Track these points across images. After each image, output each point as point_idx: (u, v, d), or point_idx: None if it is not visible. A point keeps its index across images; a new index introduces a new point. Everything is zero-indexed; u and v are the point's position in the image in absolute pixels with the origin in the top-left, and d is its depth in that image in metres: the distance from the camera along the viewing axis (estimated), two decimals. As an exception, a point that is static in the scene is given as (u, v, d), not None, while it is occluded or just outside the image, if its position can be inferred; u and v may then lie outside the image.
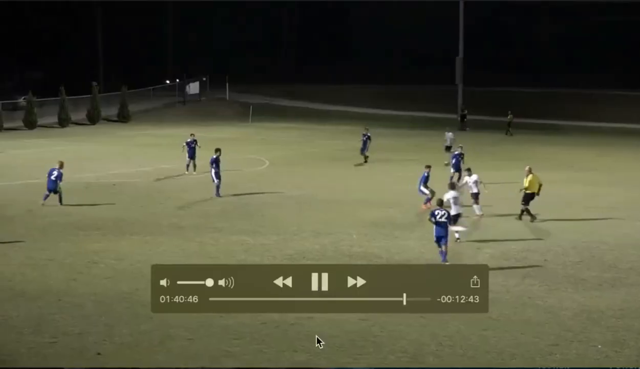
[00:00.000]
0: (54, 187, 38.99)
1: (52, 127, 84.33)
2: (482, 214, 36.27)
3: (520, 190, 35.90)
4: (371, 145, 55.04)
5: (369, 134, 55.31)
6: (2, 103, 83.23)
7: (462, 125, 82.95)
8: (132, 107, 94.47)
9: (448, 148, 56.17)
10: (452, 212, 30.25)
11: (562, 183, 45.08)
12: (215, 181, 40.98)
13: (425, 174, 38.50)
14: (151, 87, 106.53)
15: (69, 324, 21.13)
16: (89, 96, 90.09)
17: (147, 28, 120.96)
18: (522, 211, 35.65)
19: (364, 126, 60.09)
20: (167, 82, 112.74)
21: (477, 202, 36.72)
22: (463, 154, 45.99)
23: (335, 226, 34.14)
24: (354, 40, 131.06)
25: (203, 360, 18.91)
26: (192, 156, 48.57)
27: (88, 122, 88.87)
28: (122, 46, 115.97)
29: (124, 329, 20.83)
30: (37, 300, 23.23)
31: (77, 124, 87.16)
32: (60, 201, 38.80)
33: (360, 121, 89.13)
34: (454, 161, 45.78)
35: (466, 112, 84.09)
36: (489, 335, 20.86)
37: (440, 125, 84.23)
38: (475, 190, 37.01)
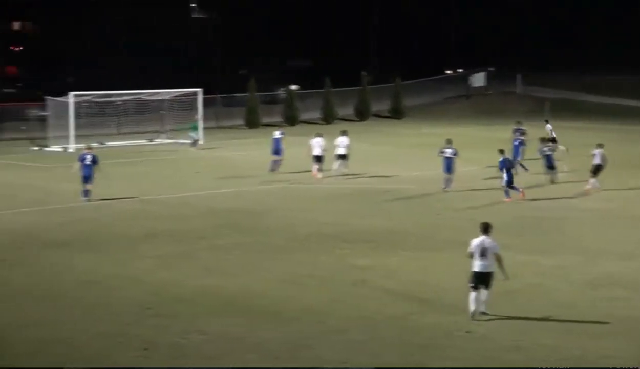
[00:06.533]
0: (90, 173, 40.77)
1: (315, 123, 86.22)
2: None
3: None
4: None
5: (523, 138, 53.17)
6: (260, 95, 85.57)
7: None
8: (407, 102, 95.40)
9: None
10: None
11: None
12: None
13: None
14: (429, 79, 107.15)
15: (330, 352, 21.32)
16: (357, 88, 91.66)
17: (425, 12, 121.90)
18: None
19: None
20: (448, 72, 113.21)
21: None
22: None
23: (648, 246, 33.04)
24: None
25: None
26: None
27: (356, 118, 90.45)
28: (397, 32, 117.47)
29: (393, 358, 20.82)
30: (295, 322, 23.60)
31: (343, 120, 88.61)
32: (87, 193, 40.72)
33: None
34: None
35: None
36: None
37: None
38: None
